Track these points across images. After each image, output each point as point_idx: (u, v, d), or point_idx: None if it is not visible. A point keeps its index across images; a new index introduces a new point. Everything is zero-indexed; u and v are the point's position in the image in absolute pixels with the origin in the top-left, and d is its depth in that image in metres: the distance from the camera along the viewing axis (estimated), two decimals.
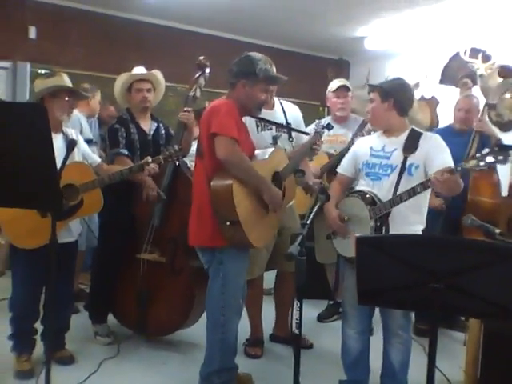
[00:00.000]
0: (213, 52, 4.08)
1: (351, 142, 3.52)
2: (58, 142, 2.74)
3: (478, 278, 1.58)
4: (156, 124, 3.40)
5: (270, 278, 3.49)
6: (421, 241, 1.76)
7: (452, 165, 2.35)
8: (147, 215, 3.18)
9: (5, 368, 2.84)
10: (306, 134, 3.18)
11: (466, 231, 3.27)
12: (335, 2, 5.29)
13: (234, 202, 2.37)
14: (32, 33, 5.53)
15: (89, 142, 3.58)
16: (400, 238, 1.96)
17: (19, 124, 1.86)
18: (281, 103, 3.26)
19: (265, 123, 3.05)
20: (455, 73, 6.06)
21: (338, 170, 2.80)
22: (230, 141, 2.39)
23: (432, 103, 6.32)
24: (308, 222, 2.05)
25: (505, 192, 3.72)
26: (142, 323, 3.22)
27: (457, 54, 6.05)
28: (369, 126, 3.43)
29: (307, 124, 3.39)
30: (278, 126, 3.09)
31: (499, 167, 2.95)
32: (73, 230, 2.91)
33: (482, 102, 4.02)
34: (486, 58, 5.11)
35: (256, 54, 2.58)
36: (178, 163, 3.17)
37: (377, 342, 2.70)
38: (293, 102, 3.40)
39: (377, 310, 2.72)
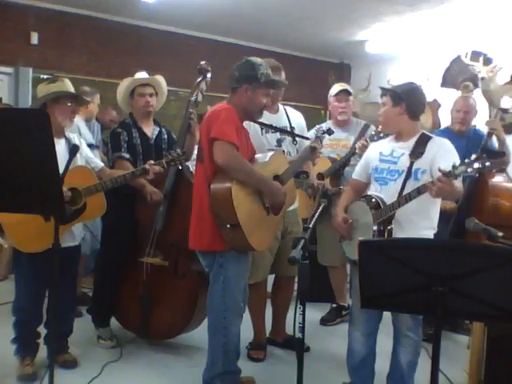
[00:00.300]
0: (214, 56, 4.11)
1: (353, 147, 3.52)
2: (61, 147, 2.75)
3: (481, 282, 1.58)
4: (158, 128, 3.42)
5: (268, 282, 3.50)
6: (423, 244, 1.76)
7: None
8: (150, 219, 3.18)
9: (8, 372, 2.85)
10: (307, 139, 3.19)
11: (470, 234, 3.27)
12: (336, 7, 5.31)
13: (233, 205, 2.38)
14: (34, 38, 5.57)
15: (90, 146, 3.59)
16: (402, 241, 1.96)
17: (22, 129, 1.87)
18: (285, 109, 3.29)
19: (266, 124, 3.07)
20: (456, 76, 6.07)
21: (353, 175, 2.81)
22: (229, 146, 2.40)
23: (434, 106, 6.32)
24: (310, 226, 2.06)
25: None
26: (144, 327, 3.23)
27: (458, 58, 6.07)
28: (371, 130, 3.43)
29: (309, 128, 3.40)
30: (278, 130, 3.10)
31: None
32: (75, 235, 2.91)
33: (483, 105, 4.02)
34: (487, 61, 5.11)
35: (257, 59, 2.60)
36: (180, 167, 3.18)
37: (383, 344, 2.70)
38: (294, 106, 3.42)
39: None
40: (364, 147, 3.26)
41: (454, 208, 3.44)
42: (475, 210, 3.41)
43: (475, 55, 5.78)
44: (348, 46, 6.74)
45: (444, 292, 1.60)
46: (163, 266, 3.16)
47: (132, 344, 3.34)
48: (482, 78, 4.50)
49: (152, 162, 2.93)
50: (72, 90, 2.89)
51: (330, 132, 3.25)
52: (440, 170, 2.20)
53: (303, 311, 1.94)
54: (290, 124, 3.21)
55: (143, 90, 3.30)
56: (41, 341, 2.93)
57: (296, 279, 3.00)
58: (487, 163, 2.09)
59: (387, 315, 2.59)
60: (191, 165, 3.53)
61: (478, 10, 5.09)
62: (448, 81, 6.22)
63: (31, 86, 5.43)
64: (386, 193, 2.51)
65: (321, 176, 3.63)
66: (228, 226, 2.42)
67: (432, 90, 6.35)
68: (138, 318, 3.23)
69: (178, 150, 2.99)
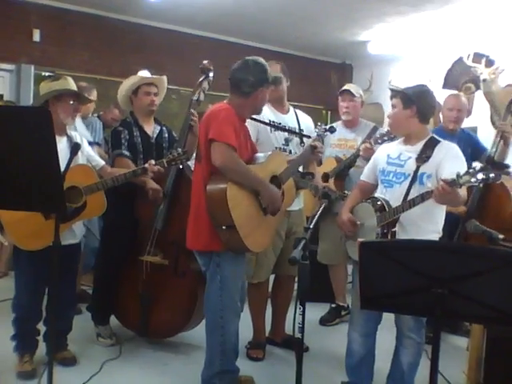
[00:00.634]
0: (216, 55, 4.11)
1: (358, 148, 3.52)
2: (62, 145, 2.76)
3: (481, 284, 1.58)
4: (159, 127, 3.41)
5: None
6: (424, 246, 1.76)
7: None
8: (150, 218, 3.18)
9: (7, 368, 2.85)
10: (309, 137, 3.20)
11: (471, 237, 3.25)
12: (339, 7, 5.31)
13: (228, 206, 2.37)
14: (36, 36, 5.57)
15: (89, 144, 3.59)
16: (403, 243, 1.96)
17: (24, 127, 1.87)
18: (295, 111, 3.31)
19: (276, 126, 3.09)
20: (458, 77, 6.05)
21: (361, 176, 2.81)
22: (226, 147, 2.41)
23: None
24: (311, 227, 2.06)
25: None
26: (144, 325, 3.23)
27: (460, 59, 6.04)
28: (380, 132, 3.41)
29: None
30: (280, 129, 3.11)
31: None
32: (76, 232, 2.91)
33: (485, 106, 4.01)
34: (490, 63, 5.09)
35: (261, 59, 2.62)
36: (181, 166, 3.18)
37: (384, 344, 2.70)
38: (296, 106, 3.42)
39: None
40: (367, 149, 3.26)
41: (465, 211, 3.33)
42: (488, 214, 3.28)
43: (477, 57, 5.76)
44: (350, 46, 6.74)
45: (444, 294, 1.60)
46: (163, 265, 3.16)
47: (131, 342, 3.35)
48: (484, 80, 4.49)
49: (153, 161, 2.93)
50: (74, 88, 2.90)
51: (332, 130, 3.25)
52: (443, 180, 2.18)
53: (303, 311, 1.94)
54: (299, 125, 3.23)
55: (149, 89, 3.29)
56: (40, 338, 2.93)
57: (296, 279, 3.01)
58: (491, 174, 2.06)
59: (387, 316, 2.59)
60: (192, 164, 3.54)
61: (481, 12, 5.09)
62: (450, 82, 6.20)
63: (33, 83, 5.43)
64: (391, 195, 2.51)
65: (326, 176, 3.63)
66: (224, 227, 2.42)
67: (434, 91, 6.35)
68: (137, 317, 3.23)
69: (179, 150, 2.98)
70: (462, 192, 2.32)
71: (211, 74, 3.34)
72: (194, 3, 5.39)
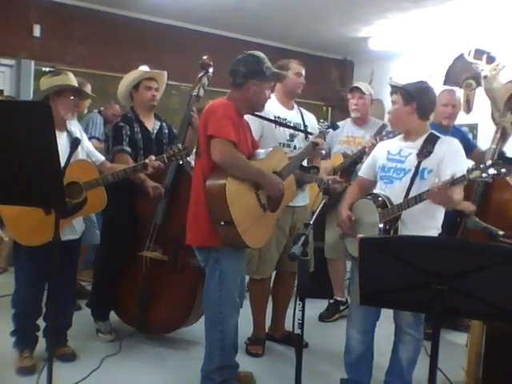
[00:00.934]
0: (216, 51, 4.09)
1: (364, 145, 3.53)
2: (63, 141, 2.75)
3: (481, 280, 1.58)
4: (159, 123, 3.41)
5: None
6: (424, 242, 1.76)
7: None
8: (150, 213, 3.18)
9: (7, 364, 2.86)
10: (311, 134, 3.21)
11: (471, 233, 3.24)
12: (340, 2, 5.29)
13: (227, 202, 2.37)
14: (37, 31, 5.54)
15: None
16: (403, 239, 1.96)
17: (24, 122, 1.86)
18: (299, 108, 3.32)
19: (281, 123, 3.09)
20: (459, 74, 6.03)
21: (359, 172, 2.80)
22: (225, 143, 2.40)
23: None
24: (311, 223, 2.05)
25: None
26: (143, 321, 3.23)
27: (461, 55, 6.02)
28: (387, 130, 3.41)
29: None
30: (285, 126, 3.11)
31: None
32: (76, 228, 2.91)
33: (485, 103, 4.00)
34: (491, 60, 5.08)
35: (259, 53, 2.60)
36: (181, 162, 3.18)
37: (383, 340, 2.70)
38: (296, 102, 3.41)
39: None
40: (373, 146, 3.26)
41: (474, 210, 3.30)
42: (490, 211, 3.27)
43: (478, 53, 5.74)
44: (351, 42, 6.71)
45: (444, 290, 1.60)
46: (163, 261, 3.16)
47: (131, 338, 3.35)
48: (485, 77, 4.48)
49: (153, 156, 2.93)
50: (75, 83, 2.89)
51: (334, 127, 3.25)
52: (449, 183, 2.17)
53: (303, 308, 1.94)
54: (304, 122, 3.24)
55: (150, 84, 3.28)
56: (40, 334, 2.93)
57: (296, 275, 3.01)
58: (503, 169, 2.07)
59: (386, 313, 2.59)
60: (192, 160, 3.53)
61: (483, 8, 5.07)
62: (450, 78, 6.17)
63: (33, 78, 5.42)
64: (391, 191, 2.50)
65: (334, 171, 3.65)
66: (222, 223, 2.42)
67: (434, 87, 6.34)
68: (137, 312, 3.24)
69: (179, 145, 2.98)
70: (458, 196, 2.32)
71: (211, 70, 3.33)
72: None
